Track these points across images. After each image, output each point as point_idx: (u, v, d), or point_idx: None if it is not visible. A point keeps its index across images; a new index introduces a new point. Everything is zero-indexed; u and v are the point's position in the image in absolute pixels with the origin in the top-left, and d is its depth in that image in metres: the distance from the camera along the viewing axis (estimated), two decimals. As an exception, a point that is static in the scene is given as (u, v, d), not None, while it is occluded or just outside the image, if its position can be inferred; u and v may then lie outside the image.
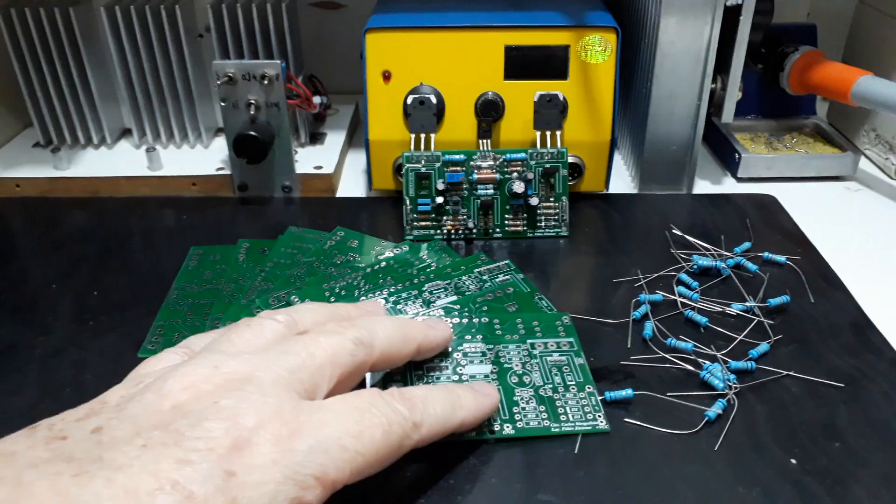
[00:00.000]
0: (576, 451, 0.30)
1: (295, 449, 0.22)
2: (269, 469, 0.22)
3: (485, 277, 0.41)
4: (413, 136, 0.47)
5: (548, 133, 0.47)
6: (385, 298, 0.39)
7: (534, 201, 0.46)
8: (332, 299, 0.38)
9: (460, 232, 0.46)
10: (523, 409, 0.32)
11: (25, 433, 0.22)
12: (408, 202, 0.46)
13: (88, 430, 0.21)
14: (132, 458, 0.20)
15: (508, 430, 0.31)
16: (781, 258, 0.44)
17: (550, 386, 0.33)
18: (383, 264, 0.42)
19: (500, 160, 0.46)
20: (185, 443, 0.21)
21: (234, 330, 0.28)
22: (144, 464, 0.20)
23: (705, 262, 0.43)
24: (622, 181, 0.55)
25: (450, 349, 0.34)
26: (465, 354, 0.34)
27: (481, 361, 0.34)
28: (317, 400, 0.25)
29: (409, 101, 0.47)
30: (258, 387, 0.24)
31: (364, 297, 0.39)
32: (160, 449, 0.21)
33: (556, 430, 0.31)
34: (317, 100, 0.54)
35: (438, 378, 0.33)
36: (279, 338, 0.28)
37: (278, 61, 0.48)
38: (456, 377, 0.33)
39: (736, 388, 0.34)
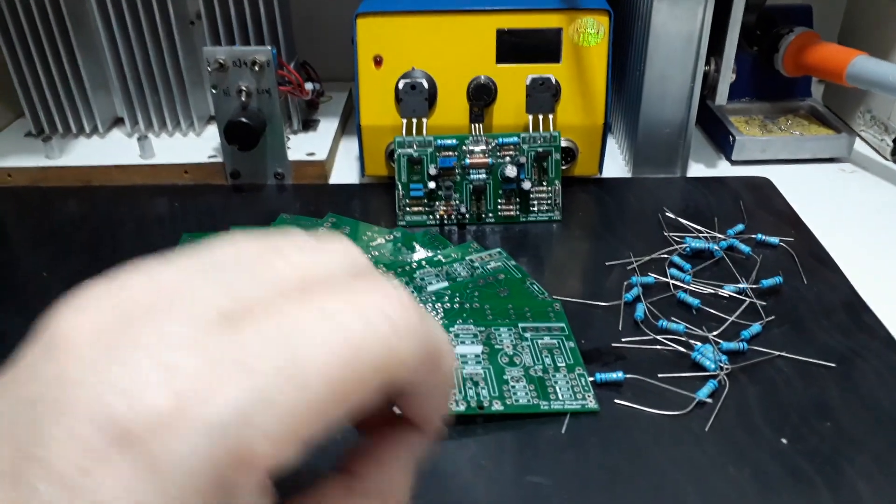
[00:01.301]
0: (563, 431, 0.30)
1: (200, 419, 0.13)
2: (144, 477, 0.13)
3: (476, 264, 0.41)
4: (405, 120, 0.47)
5: (540, 117, 0.47)
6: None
7: (526, 186, 0.46)
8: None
9: (453, 217, 0.46)
10: (513, 387, 0.32)
11: None
12: (400, 188, 0.46)
13: None
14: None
15: (498, 406, 0.31)
16: (775, 240, 0.43)
17: (541, 367, 0.33)
18: (376, 253, 0.42)
19: (493, 144, 0.46)
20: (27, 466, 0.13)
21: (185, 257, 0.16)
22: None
23: (698, 244, 0.42)
24: (615, 165, 0.55)
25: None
26: (456, 336, 0.34)
27: (473, 342, 0.34)
28: None
29: (401, 85, 0.47)
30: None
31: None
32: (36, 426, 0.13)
33: (546, 407, 0.31)
34: (309, 86, 0.54)
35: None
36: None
37: (269, 48, 0.48)
38: None
39: (727, 368, 0.34)
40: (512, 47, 0.47)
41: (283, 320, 0.14)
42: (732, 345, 0.35)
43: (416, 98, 0.47)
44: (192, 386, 0.13)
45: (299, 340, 0.14)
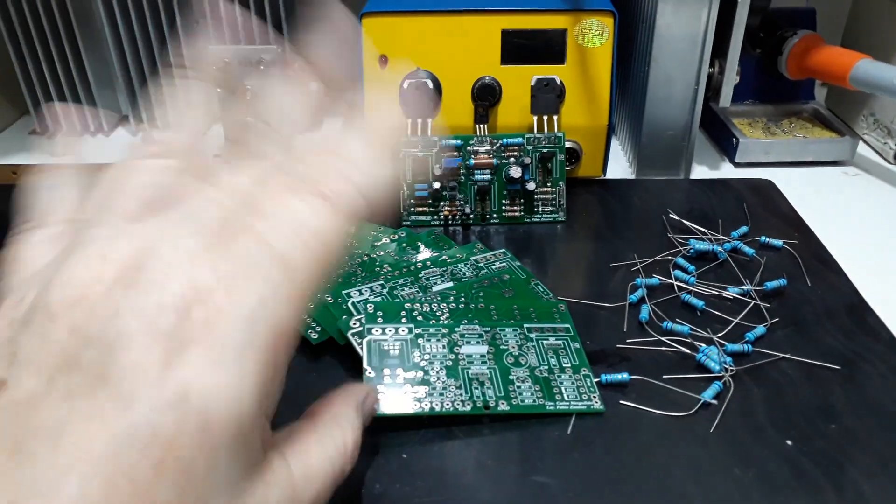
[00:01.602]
0: (569, 432, 0.31)
1: (240, 317, 0.18)
2: (220, 361, 0.18)
3: (481, 265, 0.41)
4: (409, 121, 0.47)
5: (545, 118, 0.47)
6: (382, 284, 0.39)
7: (531, 186, 0.46)
8: (330, 286, 0.38)
9: (457, 218, 0.46)
10: (518, 387, 0.32)
11: None
12: (405, 188, 0.46)
13: None
14: (65, 414, 0.17)
15: (503, 406, 0.31)
16: (778, 242, 0.43)
17: (546, 367, 0.33)
18: (381, 253, 0.42)
19: (497, 145, 0.46)
20: (112, 376, 0.17)
21: (107, 186, 0.21)
22: (83, 417, 0.17)
23: (702, 246, 0.42)
24: (619, 166, 0.55)
25: (447, 331, 0.34)
26: (462, 335, 0.34)
27: (478, 342, 0.34)
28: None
29: (406, 85, 0.47)
30: (163, 264, 0.18)
31: (362, 285, 0.39)
32: (89, 393, 0.17)
33: (551, 408, 0.31)
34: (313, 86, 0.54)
35: (434, 357, 0.33)
36: (164, 183, 0.21)
37: (275, 46, 0.48)
38: (453, 356, 0.33)
39: (732, 370, 0.34)
40: (517, 48, 0.47)
41: (261, 233, 0.19)
42: (737, 346, 0.35)
43: (421, 98, 0.47)
44: (224, 285, 0.19)
45: (280, 244, 0.19)
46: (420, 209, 0.46)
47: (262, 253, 0.19)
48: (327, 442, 0.23)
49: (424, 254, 0.42)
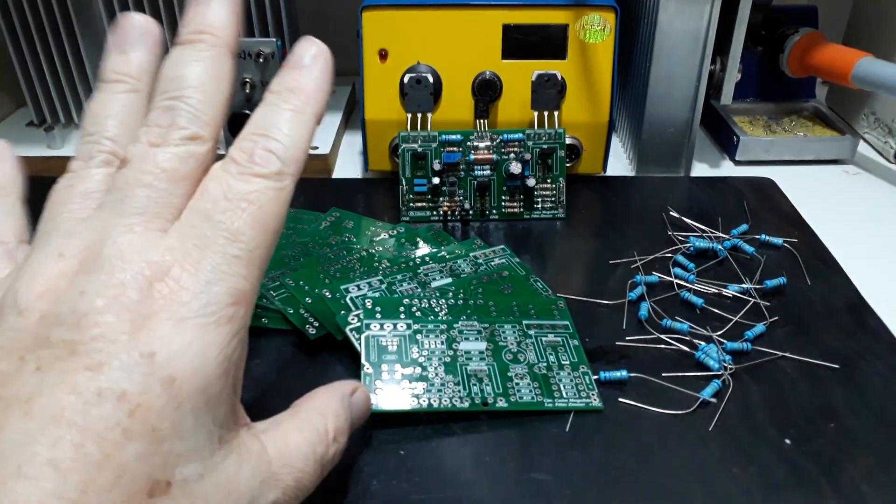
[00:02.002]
0: (567, 429, 0.30)
1: (198, 285, 0.20)
2: (183, 324, 0.19)
3: (480, 261, 0.41)
4: (409, 115, 0.47)
5: (545, 113, 0.47)
6: (380, 280, 0.38)
7: (531, 182, 0.46)
8: (328, 281, 0.38)
9: (457, 213, 0.46)
10: (517, 384, 0.32)
11: None
12: (404, 183, 0.46)
13: None
14: (35, 384, 0.18)
15: (502, 403, 0.31)
16: (779, 240, 0.43)
17: (545, 364, 0.33)
18: (379, 248, 0.42)
19: (498, 141, 0.46)
20: (81, 347, 0.18)
21: (50, 203, 0.23)
22: (53, 385, 0.18)
23: (702, 243, 0.42)
24: (620, 163, 0.55)
25: (445, 327, 0.34)
26: (460, 332, 0.34)
27: (476, 339, 0.34)
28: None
29: (406, 80, 0.47)
30: (118, 249, 0.20)
31: (360, 280, 0.38)
32: (59, 364, 0.18)
33: (550, 405, 0.31)
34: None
35: (433, 353, 0.33)
36: (103, 183, 0.23)
37: (274, 39, 0.48)
38: (451, 352, 0.33)
39: (731, 368, 0.34)
40: (518, 43, 0.47)
41: (201, 208, 0.21)
42: (736, 345, 0.35)
43: (422, 93, 0.47)
44: (179, 259, 0.20)
45: (220, 215, 0.21)
46: (419, 204, 0.46)
47: (205, 225, 0.21)
48: (307, 427, 0.24)
49: (423, 249, 0.42)
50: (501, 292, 0.38)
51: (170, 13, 0.53)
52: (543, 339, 0.35)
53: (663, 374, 0.33)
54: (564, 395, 0.32)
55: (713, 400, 0.32)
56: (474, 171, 0.46)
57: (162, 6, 0.52)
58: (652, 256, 0.42)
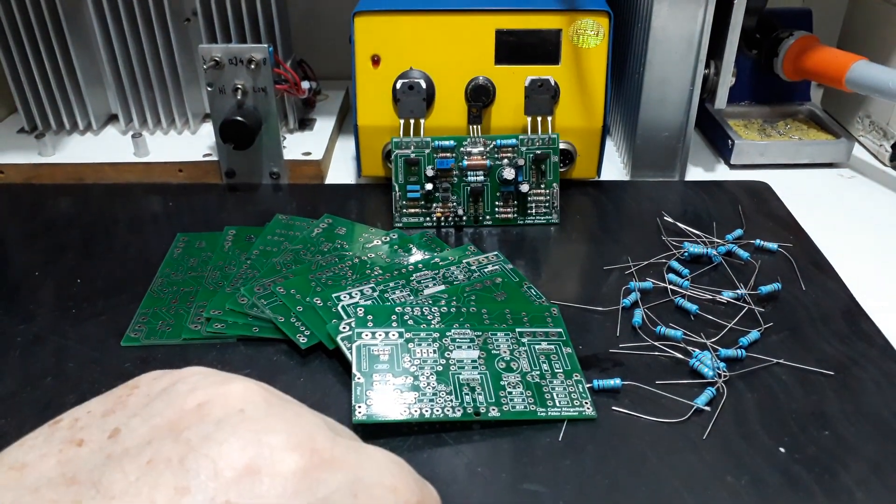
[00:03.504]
0: (560, 439, 0.30)
1: (323, 481, 0.19)
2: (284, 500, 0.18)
3: (473, 268, 0.41)
4: (402, 121, 0.46)
5: (539, 119, 0.47)
6: (372, 287, 0.38)
7: (524, 188, 0.45)
8: (319, 290, 0.38)
9: (450, 219, 0.46)
10: (510, 393, 0.31)
11: (46, 432, 0.20)
12: (397, 189, 0.45)
13: (106, 434, 0.19)
14: (130, 482, 0.18)
15: (494, 412, 0.31)
16: (773, 245, 0.43)
17: (538, 372, 0.33)
18: (372, 255, 0.41)
19: (491, 146, 0.46)
20: (189, 461, 0.18)
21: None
22: (139, 491, 0.18)
23: (696, 249, 0.42)
24: (614, 168, 0.55)
25: (438, 335, 0.34)
26: (453, 340, 0.34)
27: (469, 347, 0.34)
28: None
29: (399, 85, 0.46)
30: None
31: (352, 288, 0.38)
32: (162, 469, 0.18)
33: (543, 414, 0.31)
34: (305, 85, 0.53)
35: (425, 362, 0.32)
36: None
37: (265, 45, 0.48)
38: (444, 361, 0.33)
39: (725, 376, 0.33)
40: (511, 48, 0.47)
41: None
42: (731, 352, 0.35)
43: (414, 98, 0.46)
44: None
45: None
46: (412, 211, 0.46)
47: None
48: None
49: (416, 256, 0.42)
50: (494, 299, 0.38)
51: (160, 13, 0.52)
52: (536, 346, 0.34)
53: (657, 382, 0.33)
54: (557, 404, 0.31)
55: (707, 408, 0.32)
56: (468, 177, 0.46)
57: (152, 9, 0.52)
58: (646, 262, 0.42)
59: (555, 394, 0.32)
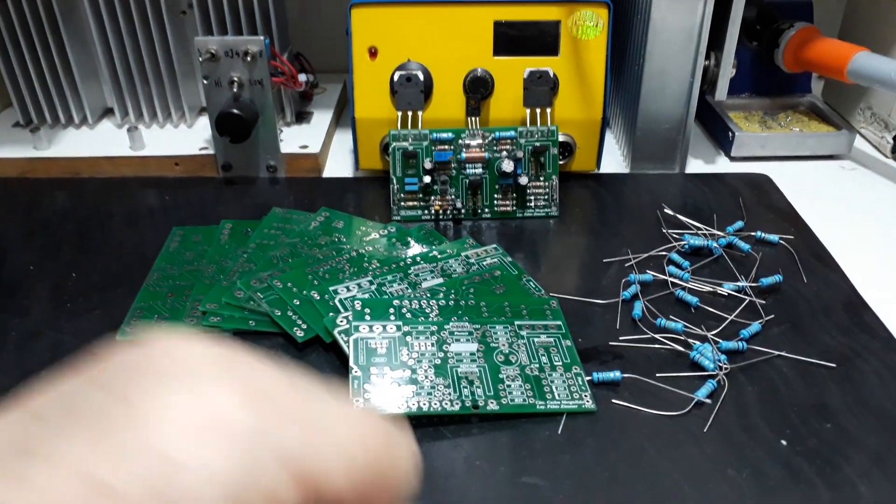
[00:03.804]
0: (559, 432, 0.30)
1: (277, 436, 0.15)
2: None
3: (472, 261, 0.40)
4: (400, 113, 0.46)
5: (538, 111, 0.46)
6: (370, 280, 0.38)
7: (523, 181, 0.45)
8: (316, 283, 0.37)
9: (448, 212, 0.46)
10: (508, 386, 0.31)
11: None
12: (395, 182, 0.45)
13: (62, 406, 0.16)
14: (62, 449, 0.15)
15: (493, 405, 0.30)
16: (774, 237, 0.43)
17: (537, 365, 0.32)
18: (370, 248, 0.41)
19: (489, 138, 0.45)
20: (130, 416, 0.15)
21: None
22: (64, 454, 0.15)
23: (697, 241, 0.42)
24: (614, 160, 0.54)
25: (436, 328, 0.34)
26: (451, 333, 0.34)
27: (468, 340, 0.33)
28: None
29: (396, 77, 0.46)
30: None
31: (349, 281, 0.38)
32: (98, 421, 0.14)
33: (542, 407, 0.30)
34: (302, 77, 0.53)
35: (423, 355, 0.32)
36: None
37: (262, 37, 0.47)
38: (442, 354, 0.32)
39: (726, 368, 0.33)
40: (509, 40, 0.46)
41: None
42: (731, 344, 0.34)
43: (412, 90, 0.46)
44: None
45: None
46: (410, 204, 0.45)
47: None
48: None
49: (414, 249, 0.41)
50: (493, 292, 0.38)
51: (155, 5, 0.52)
52: (536, 339, 0.34)
53: (657, 375, 0.33)
54: (557, 397, 0.31)
55: (708, 401, 0.32)
56: (466, 170, 0.45)
57: (148, 0, 0.51)
58: (646, 255, 0.41)
59: (554, 387, 0.31)
